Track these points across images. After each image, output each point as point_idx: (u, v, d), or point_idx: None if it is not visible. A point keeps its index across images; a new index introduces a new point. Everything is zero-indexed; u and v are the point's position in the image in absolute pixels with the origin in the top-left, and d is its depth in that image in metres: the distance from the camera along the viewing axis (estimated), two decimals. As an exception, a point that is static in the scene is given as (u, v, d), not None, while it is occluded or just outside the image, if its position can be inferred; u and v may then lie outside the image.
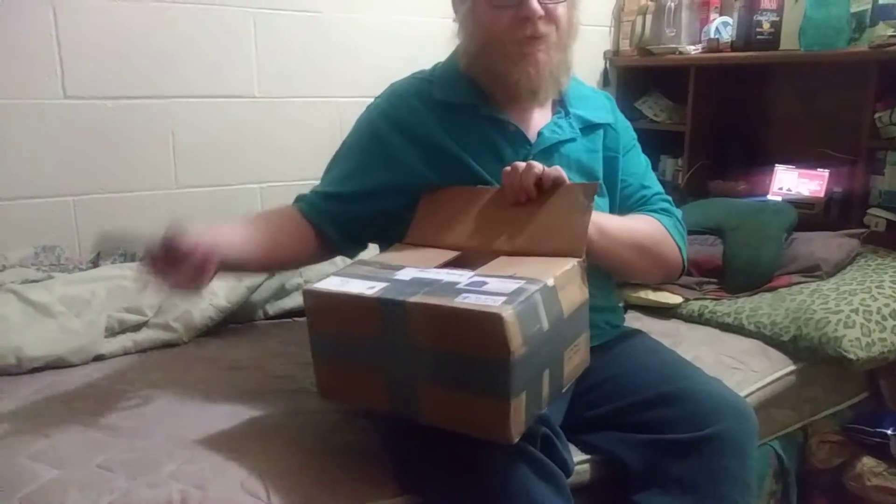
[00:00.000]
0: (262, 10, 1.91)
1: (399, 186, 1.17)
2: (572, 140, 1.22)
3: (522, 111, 1.20)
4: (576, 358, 0.99)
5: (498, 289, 0.87)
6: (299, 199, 1.23)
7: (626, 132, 1.30)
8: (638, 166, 1.29)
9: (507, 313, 0.81)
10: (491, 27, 1.12)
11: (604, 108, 1.28)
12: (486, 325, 0.81)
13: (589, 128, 1.24)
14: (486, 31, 1.14)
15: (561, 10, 1.12)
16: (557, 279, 0.91)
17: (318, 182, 1.26)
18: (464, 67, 1.20)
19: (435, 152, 1.16)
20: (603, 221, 1.08)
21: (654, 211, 1.24)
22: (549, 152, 1.20)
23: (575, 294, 0.96)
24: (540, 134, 1.20)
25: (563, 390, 0.98)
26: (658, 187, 1.30)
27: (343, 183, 1.20)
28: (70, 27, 1.70)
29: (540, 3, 1.09)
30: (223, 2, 1.86)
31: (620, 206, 1.25)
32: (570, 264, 0.94)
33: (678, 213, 1.27)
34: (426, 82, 1.23)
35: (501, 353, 0.81)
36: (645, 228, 1.18)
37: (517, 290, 0.86)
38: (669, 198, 1.29)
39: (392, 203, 1.18)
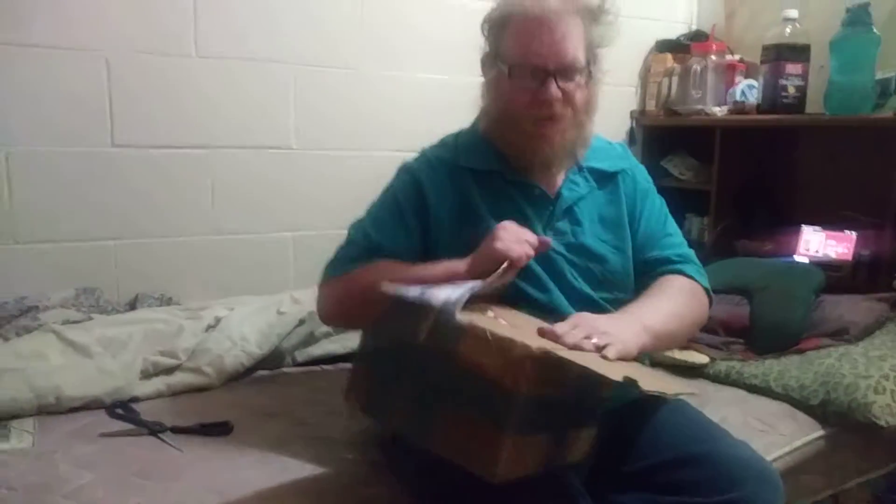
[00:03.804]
0: (302, 67, 2.00)
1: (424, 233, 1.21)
2: (589, 194, 1.26)
3: (543, 173, 1.24)
4: (577, 445, 1.00)
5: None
6: (377, 253, 1.20)
7: (641, 174, 1.33)
8: (653, 209, 1.32)
9: (539, 352, 0.82)
10: (512, 101, 1.17)
11: (617, 157, 1.32)
12: (513, 354, 0.83)
13: (604, 178, 1.28)
14: (506, 102, 1.19)
15: (579, 93, 1.17)
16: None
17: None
18: (483, 128, 1.25)
19: (466, 214, 1.21)
20: (651, 324, 1.08)
21: (678, 261, 1.27)
22: (570, 210, 1.24)
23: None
24: (559, 195, 1.24)
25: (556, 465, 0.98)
26: (675, 228, 1.33)
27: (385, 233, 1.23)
28: (121, 80, 1.79)
29: (559, 86, 1.13)
30: (267, 58, 1.95)
31: (642, 248, 1.28)
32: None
33: (692, 253, 1.30)
34: (451, 149, 1.27)
35: (516, 387, 0.83)
36: (682, 301, 1.20)
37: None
38: (684, 240, 1.32)
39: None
